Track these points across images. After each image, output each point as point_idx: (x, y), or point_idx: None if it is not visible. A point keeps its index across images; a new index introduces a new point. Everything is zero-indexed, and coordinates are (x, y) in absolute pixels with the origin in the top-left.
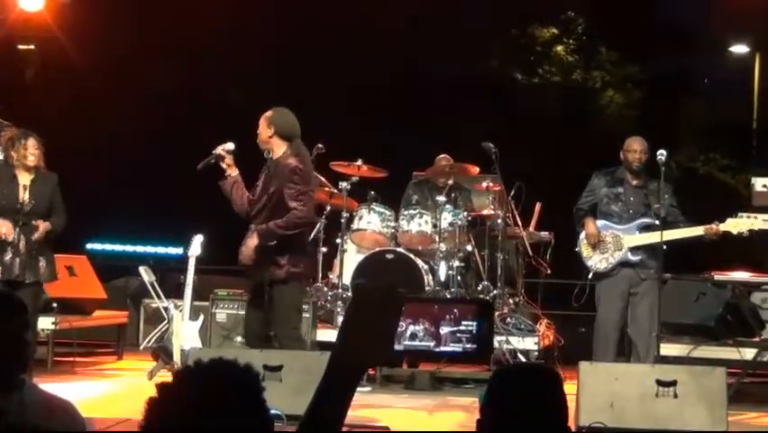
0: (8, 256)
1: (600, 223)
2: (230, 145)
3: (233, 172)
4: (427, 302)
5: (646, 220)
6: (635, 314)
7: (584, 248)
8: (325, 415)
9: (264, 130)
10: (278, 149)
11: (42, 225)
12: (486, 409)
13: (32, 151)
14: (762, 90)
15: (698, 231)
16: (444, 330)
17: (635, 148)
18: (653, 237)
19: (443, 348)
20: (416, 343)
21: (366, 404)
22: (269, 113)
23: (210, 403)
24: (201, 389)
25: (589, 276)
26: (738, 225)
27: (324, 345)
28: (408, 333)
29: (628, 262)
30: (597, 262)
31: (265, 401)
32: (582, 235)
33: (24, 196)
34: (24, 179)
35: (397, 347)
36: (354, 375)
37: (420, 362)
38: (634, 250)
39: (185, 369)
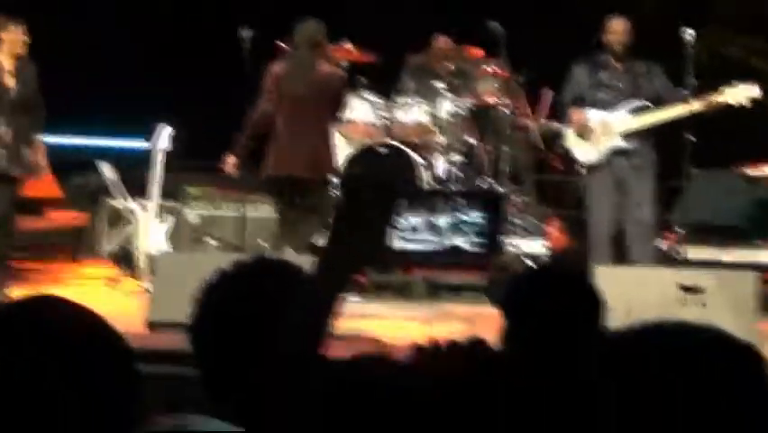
0: None
1: (589, 112)
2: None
3: None
4: (428, 196)
5: (638, 103)
6: (630, 209)
7: (572, 140)
8: (310, 324)
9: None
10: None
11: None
12: (513, 319)
13: (22, 36)
14: None
15: (694, 106)
16: (445, 222)
17: (615, 29)
18: (645, 120)
19: (444, 242)
20: (416, 236)
21: (356, 314)
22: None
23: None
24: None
25: (581, 170)
26: (735, 94)
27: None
28: (407, 226)
29: (621, 150)
30: (586, 153)
31: None
32: (569, 126)
33: (10, 81)
34: (8, 64)
35: (395, 246)
36: (344, 277)
37: (416, 266)
38: (625, 136)
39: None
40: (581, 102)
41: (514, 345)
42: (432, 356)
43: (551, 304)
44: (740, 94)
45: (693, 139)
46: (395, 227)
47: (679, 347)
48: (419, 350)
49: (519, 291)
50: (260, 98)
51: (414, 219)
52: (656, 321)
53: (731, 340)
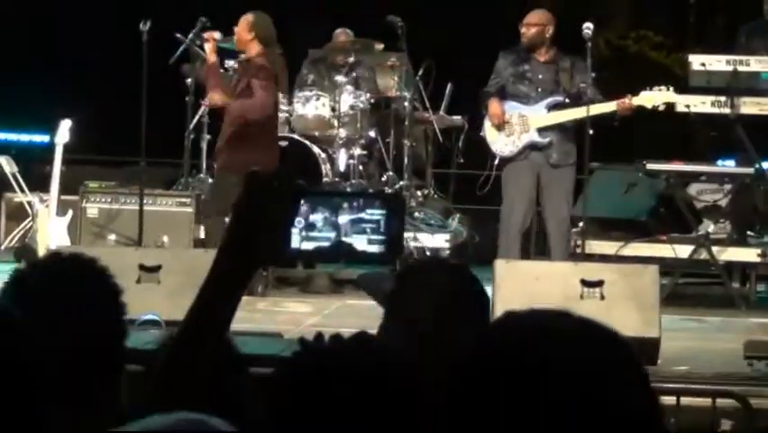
0: None
1: (508, 105)
2: (217, 34)
3: (214, 58)
4: (328, 195)
5: (557, 98)
6: (547, 205)
7: (489, 132)
8: (208, 320)
9: (244, 33)
10: (253, 51)
11: None
12: (390, 311)
13: None
14: None
15: (610, 107)
16: (346, 219)
17: (525, 21)
18: (562, 116)
19: (344, 240)
20: (315, 234)
21: (256, 309)
22: (250, 16)
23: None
24: (53, 279)
25: (495, 163)
26: (653, 98)
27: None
28: (306, 223)
29: (536, 145)
30: (503, 146)
31: (123, 306)
32: (487, 118)
33: None
34: None
35: (294, 244)
36: (243, 275)
37: (318, 262)
38: (542, 131)
39: (40, 259)
40: (503, 93)
41: (390, 337)
42: (314, 347)
43: (425, 295)
44: (657, 98)
45: (592, 132)
46: (294, 224)
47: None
48: (301, 342)
49: (396, 283)
50: None
51: (313, 216)
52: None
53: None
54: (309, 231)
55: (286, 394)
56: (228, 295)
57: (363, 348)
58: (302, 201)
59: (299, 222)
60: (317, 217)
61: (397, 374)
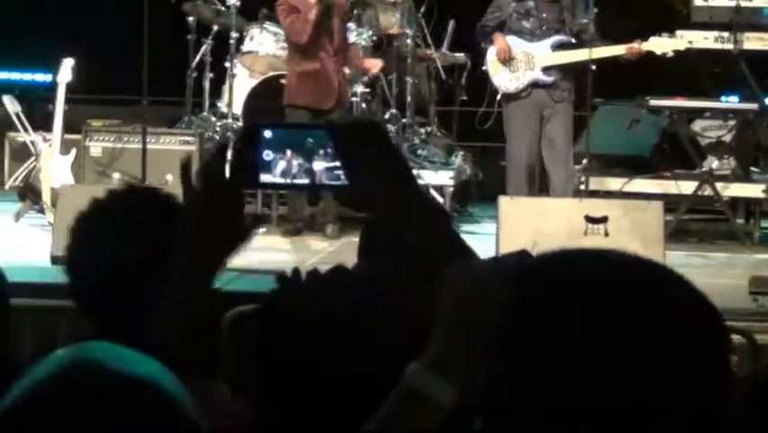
0: None
1: (511, 40)
2: None
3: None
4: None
5: (561, 37)
6: (549, 141)
7: (493, 66)
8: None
9: None
10: None
11: None
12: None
13: None
14: None
15: (618, 50)
16: (321, 166)
17: None
18: (568, 56)
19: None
20: (289, 181)
21: (257, 247)
22: None
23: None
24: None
25: (498, 98)
26: (662, 45)
27: None
28: (279, 169)
29: (540, 83)
30: (506, 81)
31: None
32: (491, 52)
33: None
34: None
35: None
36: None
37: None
38: (546, 70)
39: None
40: (503, 28)
41: (367, 262)
42: (291, 283)
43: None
44: (666, 45)
45: (594, 68)
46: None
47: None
48: (280, 278)
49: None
50: None
51: (285, 159)
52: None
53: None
54: (284, 177)
55: (261, 332)
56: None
57: (337, 285)
58: (267, 134)
59: (271, 159)
60: (293, 163)
61: (370, 312)
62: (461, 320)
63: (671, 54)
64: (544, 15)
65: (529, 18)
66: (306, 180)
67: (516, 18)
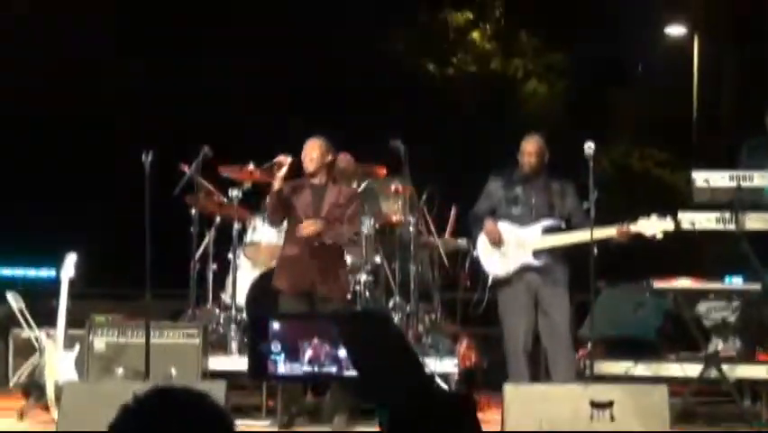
0: None
1: (501, 225)
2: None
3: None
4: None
5: (551, 222)
6: (549, 329)
7: (482, 251)
8: None
9: (323, 156)
10: (325, 176)
11: None
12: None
13: None
14: (702, 75)
15: (609, 232)
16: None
17: (527, 150)
18: (559, 240)
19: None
20: (317, 370)
21: None
22: (322, 140)
23: None
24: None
25: (488, 284)
26: (650, 226)
27: (216, 375)
28: (306, 358)
29: (531, 267)
30: (497, 266)
31: None
32: (482, 238)
33: None
34: None
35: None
36: None
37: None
38: (537, 253)
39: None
40: (494, 216)
41: None
42: None
43: None
44: (654, 226)
45: (596, 252)
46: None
47: None
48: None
49: None
50: None
51: (311, 346)
52: None
53: None
54: (313, 366)
55: None
56: None
57: None
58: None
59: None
60: (321, 352)
61: None
62: None
63: (660, 236)
64: (533, 201)
65: (518, 204)
66: (332, 369)
67: (506, 204)
